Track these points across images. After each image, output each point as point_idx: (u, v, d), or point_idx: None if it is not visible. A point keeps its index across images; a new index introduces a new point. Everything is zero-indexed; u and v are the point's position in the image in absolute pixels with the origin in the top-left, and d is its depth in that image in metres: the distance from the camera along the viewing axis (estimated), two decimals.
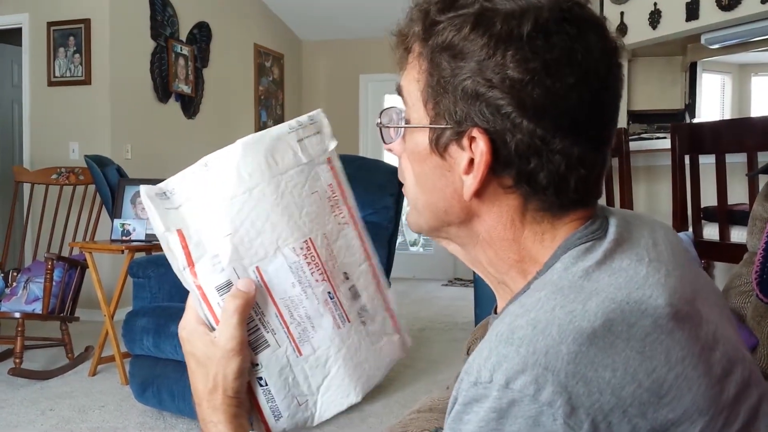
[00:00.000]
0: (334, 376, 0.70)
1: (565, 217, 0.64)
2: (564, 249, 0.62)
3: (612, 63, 0.62)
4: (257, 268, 0.65)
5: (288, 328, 0.67)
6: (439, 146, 0.64)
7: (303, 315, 0.67)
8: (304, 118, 0.70)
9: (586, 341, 0.52)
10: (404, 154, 0.69)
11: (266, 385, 0.68)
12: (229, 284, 0.65)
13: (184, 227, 0.64)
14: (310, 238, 0.68)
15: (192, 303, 0.70)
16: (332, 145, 0.72)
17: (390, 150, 0.72)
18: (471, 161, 0.62)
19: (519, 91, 0.59)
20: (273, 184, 0.66)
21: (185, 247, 0.64)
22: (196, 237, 0.64)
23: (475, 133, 0.61)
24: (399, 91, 0.69)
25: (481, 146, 0.61)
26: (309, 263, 0.68)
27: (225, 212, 0.64)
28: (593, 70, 0.61)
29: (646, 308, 0.55)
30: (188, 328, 0.70)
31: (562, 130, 0.60)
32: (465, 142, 0.62)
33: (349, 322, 0.70)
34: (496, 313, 0.73)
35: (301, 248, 0.67)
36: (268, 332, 0.67)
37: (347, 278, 0.71)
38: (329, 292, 0.69)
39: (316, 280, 0.68)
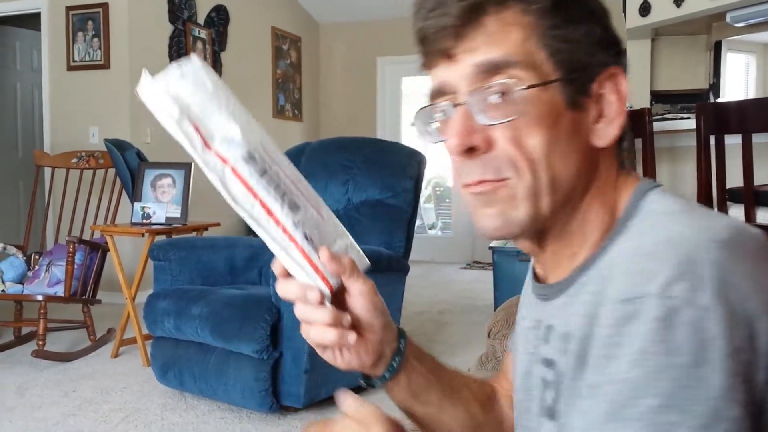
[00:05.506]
0: (350, 239, 0.75)
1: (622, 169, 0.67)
2: (643, 192, 0.63)
3: None
4: (262, 144, 0.69)
5: (303, 194, 0.72)
6: (575, 99, 0.61)
7: (306, 187, 0.72)
8: None
9: (725, 250, 0.53)
10: (523, 128, 0.60)
11: (312, 240, 0.72)
12: (251, 156, 0.68)
13: (189, 118, 0.69)
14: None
15: None
16: None
17: (486, 139, 0.61)
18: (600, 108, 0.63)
19: (613, 31, 0.64)
20: (227, 88, 0.71)
21: (197, 130, 0.69)
22: (202, 127, 0.69)
23: (614, 70, 0.63)
24: (494, 65, 0.60)
25: (622, 85, 0.63)
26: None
27: (216, 104, 0.69)
28: None
29: (748, 231, 0.57)
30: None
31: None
32: (594, 87, 0.62)
33: None
34: (538, 281, 0.72)
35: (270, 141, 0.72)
36: (294, 195, 0.70)
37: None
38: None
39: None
